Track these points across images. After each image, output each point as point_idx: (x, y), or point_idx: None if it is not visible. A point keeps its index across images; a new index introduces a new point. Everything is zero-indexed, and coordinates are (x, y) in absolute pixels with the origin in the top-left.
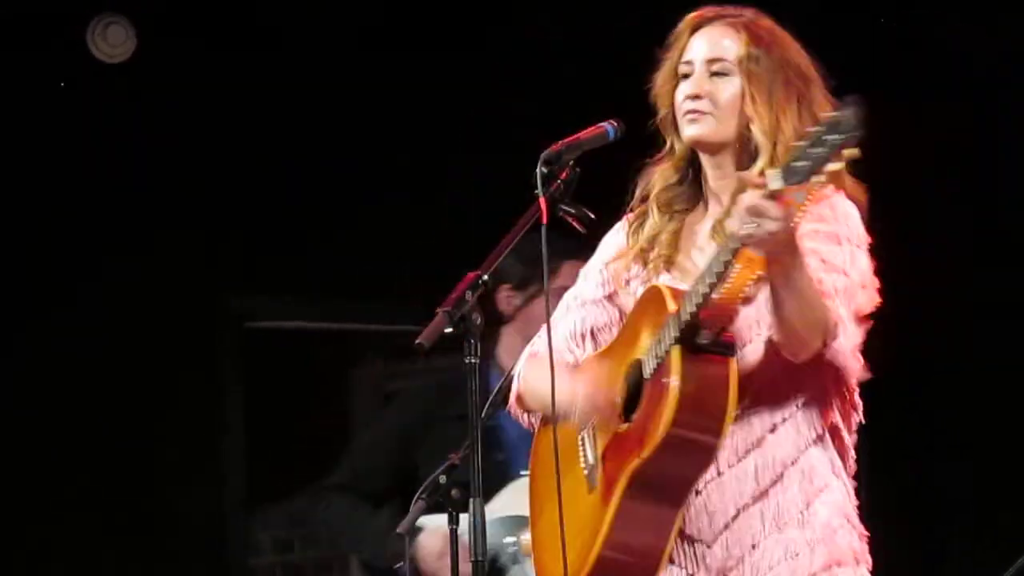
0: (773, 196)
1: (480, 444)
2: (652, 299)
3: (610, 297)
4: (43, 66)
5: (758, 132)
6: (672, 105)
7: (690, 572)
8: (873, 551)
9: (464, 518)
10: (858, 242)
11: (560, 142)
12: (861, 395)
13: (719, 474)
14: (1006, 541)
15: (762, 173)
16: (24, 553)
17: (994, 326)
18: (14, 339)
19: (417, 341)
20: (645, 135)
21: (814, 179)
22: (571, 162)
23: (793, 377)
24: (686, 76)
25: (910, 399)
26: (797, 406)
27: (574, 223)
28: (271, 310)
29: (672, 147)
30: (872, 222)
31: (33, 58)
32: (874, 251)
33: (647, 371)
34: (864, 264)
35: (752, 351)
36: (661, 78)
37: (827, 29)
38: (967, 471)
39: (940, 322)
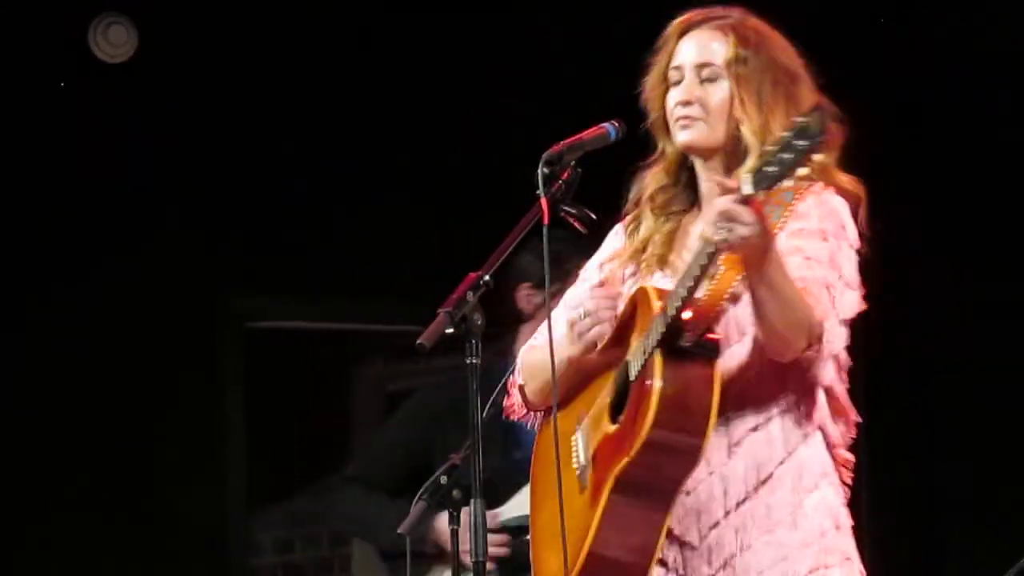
0: (746, 201)
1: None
2: (640, 300)
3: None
4: (44, 66)
5: (748, 134)
6: (663, 109)
7: (680, 574)
8: (873, 551)
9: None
10: (845, 240)
11: (561, 143)
12: (863, 395)
13: (709, 474)
14: (1006, 542)
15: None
16: (24, 553)
17: (995, 325)
18: (14, 339)
19: (418, 341)
20: (646, 136)
21: (784, 183)
22: (572, 163)
23: (780, 377)
24: (676, 82)
25: (910, 399)
26: (785, 406)
27: (575, 224)
28: (272, 310)
29: (663, 150)
30: (872, 221)
31: (34, 58)
32: (871, 249)
33: (633, 372)
34: (850, 262)
35: (739, 351)
36: (651, 83)
37: (827, 29)
38: (967, 471)
39: (940, 321)
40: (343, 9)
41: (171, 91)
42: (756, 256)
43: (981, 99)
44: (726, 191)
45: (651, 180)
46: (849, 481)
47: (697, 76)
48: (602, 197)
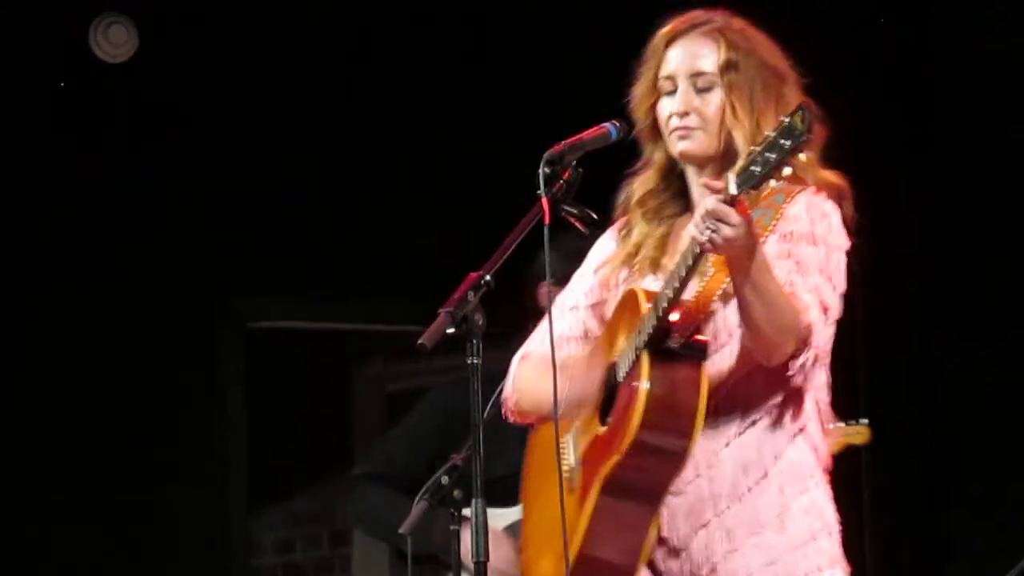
0: (732, 201)
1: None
2: (629, 302)
3: (597, 305)
4: (44, 66)
5: (740, 139)
6: (652, 118)
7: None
8: (874, 551)
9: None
10: (835, 244)
11: (562, 142)
12: (865, 395)
13: (696, 476)
14: (1008, 542)
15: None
16: (25, 553)
17: (995, 325)
18: (15, 339)
19: (419, 342)
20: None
21: (774, 184)
22: (573, 162)
23: (768, 379)
24: (669, 92)
25: (910, 399)
26: (773, 407)
27: (576, 224)
28: (272, 310)
29: (650, 158)
30: (874, 221)
31: (34, 58)
32: (872, 249)
33: (620, 374)
34: (840, 267)
35: (728, 352)
36: (639, 92)
37: (827, 29)
38: (967, 471)
39: (941, 321)
40: (343, 9)
41: (171, 91)
42: (741, 258)
43: (981, 99)
44: (713, 192)
45: (640, 186)
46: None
47: (692, 86)
48: (603, 197)
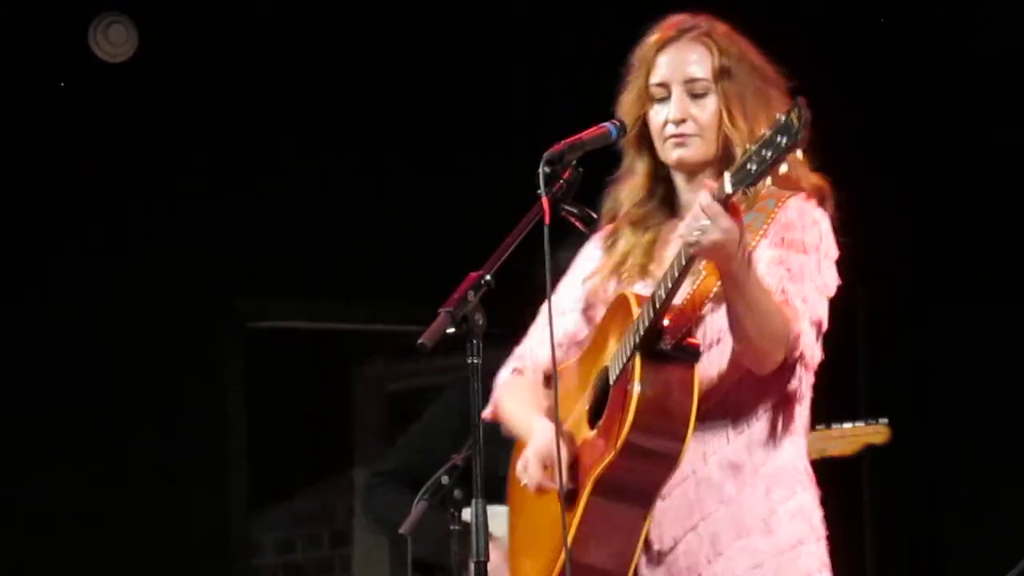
0: (726, 200)
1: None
2: (619, 306)
3: (586, 310)
4: (44, 66)
5: (737, 145)
6: (642, 126)
7: None
8: (874, 551)
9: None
10: (825, 251)
11: (563, 142)
12: (865, 395)
13: (683, 480)
14: (1007, 542)
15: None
16: (25, 553)
17: (996, 325)
18: (15, 339)
19: (419, 341)
20: None
21: (766, 180)
22: (573, 162)
23: (759, 382)
24: (662, 99)
25: (910, 399)
26: (763, 410)
27: (576, 223)
28: (272, 310)
29: (633, 166)
30: (872, 221)
31: (34, 58)
32: (873, 248)
33: (612, 377)
34: (831, 275)
35: (718, 355)
36: (629, 100)
37: (827, 29)
38: (967, 471)
39: (941, 321)
40: (343, 9)
41: (171, 91)
42: (730, 265)
43: (981, 99)
44: (710, 190)
45: (627, 195)
46: None
47: (686, 92)
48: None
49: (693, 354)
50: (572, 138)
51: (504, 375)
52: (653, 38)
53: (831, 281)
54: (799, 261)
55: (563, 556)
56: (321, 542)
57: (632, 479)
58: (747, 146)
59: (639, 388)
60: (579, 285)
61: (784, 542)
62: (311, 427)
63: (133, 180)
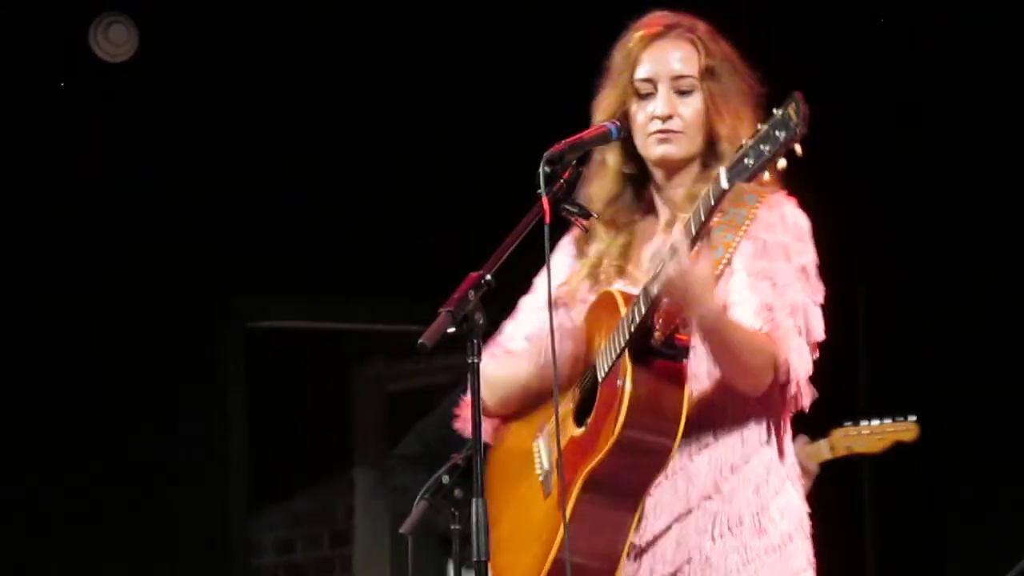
0: (724, 195)
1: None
2: (605, 304)
3: (559, 309)
4: (44, 66)
5: (724, 142)
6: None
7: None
8: (874, 551)
9: None
10: (808, 255)
11: (563, 141)
12: (865, 395)
13: (671, 475)
14: (1007, 542)
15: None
16: (25, 553)
17: (996, 324)
18: (15, 339)
19: (420, 341)
20: None
21: (764, 175)
22: (574, 161)
23: None
24: (647, 95)
25: (910, 400)
26: (751, 410)
27: (577, 222)
28: (272, 310)
29: (604, 161)
30: (872, 220)
31: (34, 58)
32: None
33: (600, 375)
34: (816, 279)
35: (704, 352)
36: (612, 95)
37: (827, 29)
38: (967, 471)
39: (941, 321)
40: (343, 9)
41: (172, 90)
42: (697, 310)
43: (981, 99)
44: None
45: (598, 193)
46: None
47: (673, 89)
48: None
49: (683, 350)
50: (572, 138)
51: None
52: (638, 34)
53: (817, 285)
54: (784, 272)
55: (553, 554)
56: (321, 542)
57: (622, 476)
58: (743, 141)
59: (630, 386)
60: (554, 285)
61: (775, 539)
62: (311, 427)
63: (133, 180)
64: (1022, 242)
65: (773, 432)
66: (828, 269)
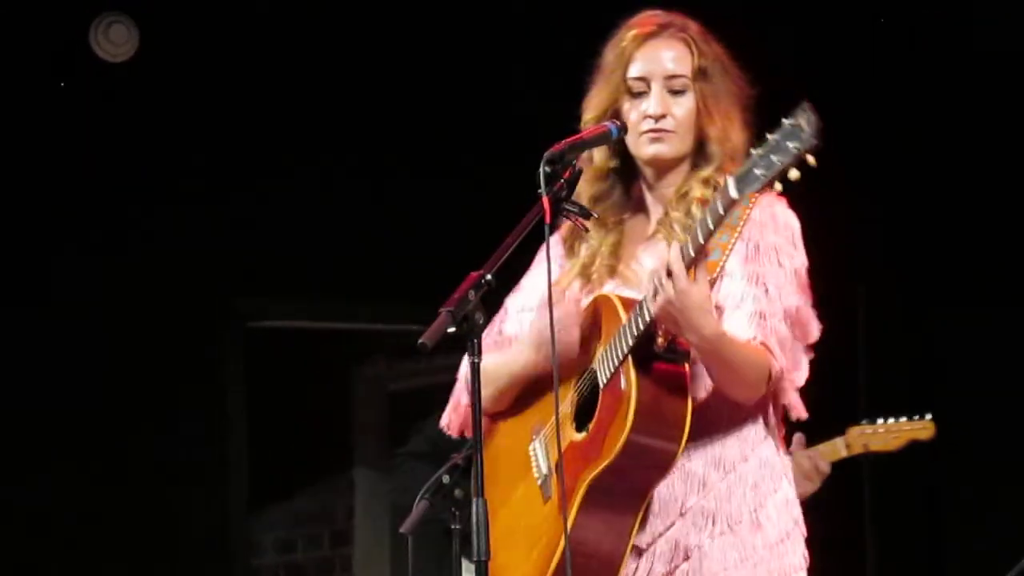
0: (733, 204)
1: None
2: (602, 308)
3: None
4: (44, 66)
5: (713, 143)
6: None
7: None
8: (875, 551)
9: None
10: (799, 258)
11: (563, 141)
12: (865, 395)
13: (668, 474)
14: (1007, 542)
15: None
16: (25, 553)
17: (996, 324)
18: (15, 339)
19: (420, 341)
20: None
21: (776, 185)
22: (574, 161)
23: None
24: (639, 93)
25: (910, 399)
26: (747, 406)
27: (577, 222)
28: (272, 310)
29: (593, 158)
30: (872, 220)
31: (34, 58)
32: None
33: (602, 380)
34: (805, 283)
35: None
36: (604, 92)
37: (827, 29)
38: (967, 471)
39: (941, 320)
40: (343, 9)
41: (172, 90)
42: (695, 334)
43: (982, 99)
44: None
45: (586, 191)
46: None
47: (666, 88)
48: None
49: (685, 355)
50: (572, 137)
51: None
52: (631, 33)
53: (806, 288)
54: (776, 277)
55: (556, 558)
56: (321, 542)
57: (626, 482)
58: (751, 151)
59: (636, 392)
60: (542, 284)
61: (772, 536)
62: (311, 427)
63: (133, 180)
64: (1022, 242)
65: (770, 430)
66: (828, 269)
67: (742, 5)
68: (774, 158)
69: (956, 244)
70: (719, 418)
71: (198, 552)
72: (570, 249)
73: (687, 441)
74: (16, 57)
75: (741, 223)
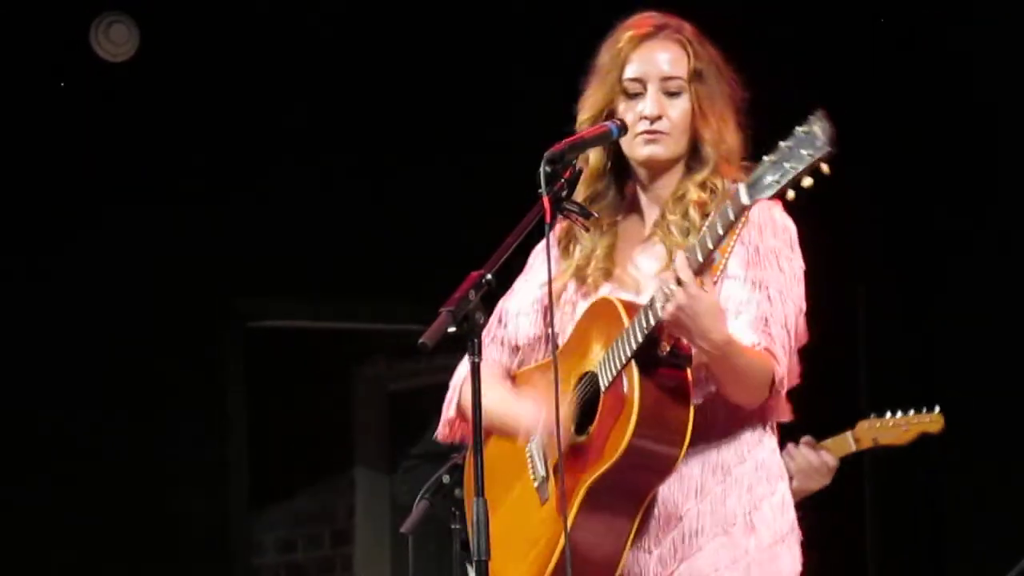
0: (744, 211)
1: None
2: (602, 311)
3: (545, 311)
4: (44, 66)
5: (708, 145)
6: (607, 118)
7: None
8: (875, 551)
9: None
10: (797, 262)
11: (563, 141)
12: (865, 395)
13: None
14: (1007, 542)
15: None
16: (26, 553)
17: (996, 324)
18: (15, 338)
19: (420, 341)
20: None
21: (790, 193)
22: (574, 161)
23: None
24: (635, 94)
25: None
26: (744, 409)
27: (577, 222)
28: (273, 310)
29: (587, 158)
30: (873, 220)
31: (34, 58)
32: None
33: (603, 383)
34: (801, 288)
35: (696, 355)
36: (600, 92)
37: (827, 29)
38: (967, 471)
39: (941, 320)
40: (343, 9)
41: (172, 90)
42: (704, 343)
43: (982, 99)
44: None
45: (580, 192)
46: None
47: (661, 90)
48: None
49: (687, 358)
50: (573, 137)
51: (462, 374)
52: (627, 34)
53: (802, 294)
54: (777, 282)
55: (554, 561)
56: (322, 541)
57: (627, 485)
58: (763, 158)
59: (639, 396)
60: (537, 287)
61: (766, 539)
62: (311, 427)
63: (133, 180)
64: (1022, 242)
65: (766, 432)
66: (828, 269)
67: (742, 5)
68: (788, 165)
69: (956, 244)
70: (716, 422)
71: (198, 552)
72: (564, 250)
73: (689, 445)
74: (16, 57)
75: (740, 225)
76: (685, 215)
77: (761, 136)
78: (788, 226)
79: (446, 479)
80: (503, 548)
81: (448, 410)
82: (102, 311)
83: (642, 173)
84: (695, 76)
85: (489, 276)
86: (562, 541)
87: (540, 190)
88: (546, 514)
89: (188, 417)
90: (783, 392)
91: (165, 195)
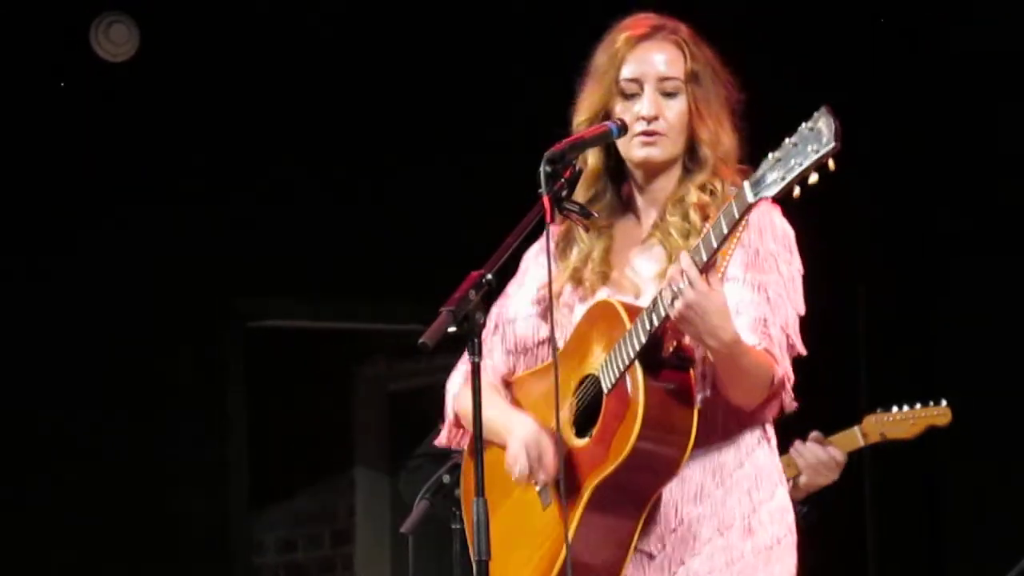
0: (750, 208)
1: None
2: (603, 314)
3: (537, 317)
4: (44, 66)
5: (705, 146)
6: (603, 119)
7: None
8: (875, 551)
9: None
10: (796, 266)
11: (563, 141)
12: (865, 395)
13: None
14: (1007, 542)
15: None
16: (26, 553)
17: (996, 323)
18: (16, 339)
19: (420, 341)
20: None
21: (796, 190)
22: (574, 161)
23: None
24: (632, 95)
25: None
26: (743, 412)
27: (577, 222)
28: (273, 310)
29: (584, 159)
30: (873, 220)
31: (34, 58)
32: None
33: (606, 385)
34: (800, 292)
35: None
36: (597, 94)
37: (827, 29)
38: (968, 471)
39: (941, 320)
40: (343, 9)
41: (172, 90)
42: (711, 342)
43: (982, 99)
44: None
45: (578, 194)
46: None
47: (658, 90)
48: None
49: (690, 360)
50: (573, 137)
51: (457, 381)
52: (624, 35)
53: (801, 298)
54: (776, 284)
55: (558, 564)
56: (322, 541)
57: (630, 488)
58: (768, 155)
59: (644, 397)
60: (533, 290)
61: (762, 542)
62: (311, 427)
63: (133, 180)
64: (1022, 242)
65: (765, 435)
66: (828, 269)
67: (742, 5)
68: (793, 162)
69: (956, 244)
70: (715, 424)
71: (198, 552)
72: (561, 252)
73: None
74: (16, 57)
75: (744, 224)
76: (685, 217)
77: (760, 138)
78: (787, 230)
79: (446, 479)
80: (506, 550)
81: (448, 417)
82: (102, 311)
83: (638, 175)
84: (691, 77)
85: (489, 276)
86: (565, 544)
87: (540, 190)
88: (549, 516)
89: (188, 417)
90: (781, 393)
91: (165, 195)
